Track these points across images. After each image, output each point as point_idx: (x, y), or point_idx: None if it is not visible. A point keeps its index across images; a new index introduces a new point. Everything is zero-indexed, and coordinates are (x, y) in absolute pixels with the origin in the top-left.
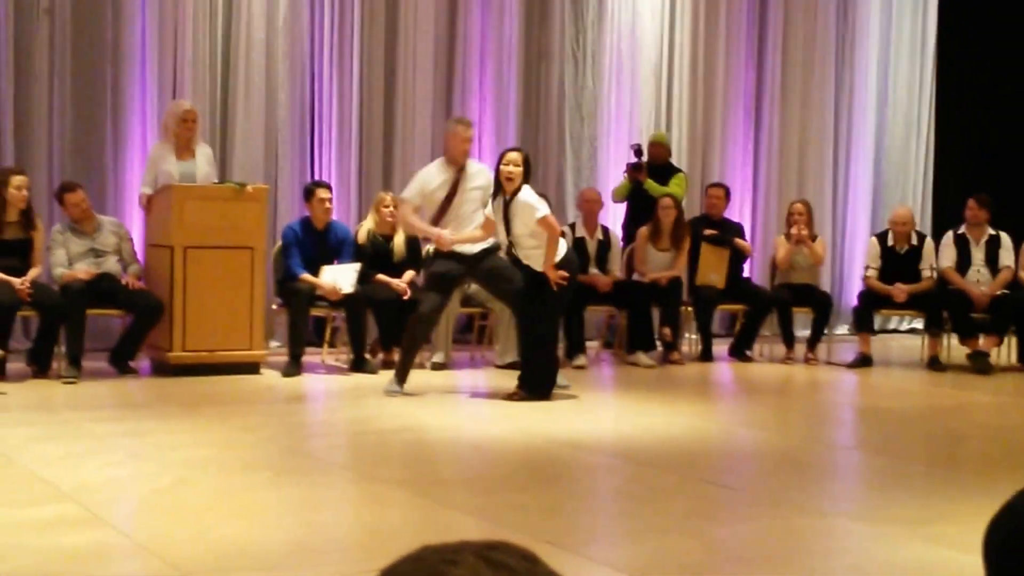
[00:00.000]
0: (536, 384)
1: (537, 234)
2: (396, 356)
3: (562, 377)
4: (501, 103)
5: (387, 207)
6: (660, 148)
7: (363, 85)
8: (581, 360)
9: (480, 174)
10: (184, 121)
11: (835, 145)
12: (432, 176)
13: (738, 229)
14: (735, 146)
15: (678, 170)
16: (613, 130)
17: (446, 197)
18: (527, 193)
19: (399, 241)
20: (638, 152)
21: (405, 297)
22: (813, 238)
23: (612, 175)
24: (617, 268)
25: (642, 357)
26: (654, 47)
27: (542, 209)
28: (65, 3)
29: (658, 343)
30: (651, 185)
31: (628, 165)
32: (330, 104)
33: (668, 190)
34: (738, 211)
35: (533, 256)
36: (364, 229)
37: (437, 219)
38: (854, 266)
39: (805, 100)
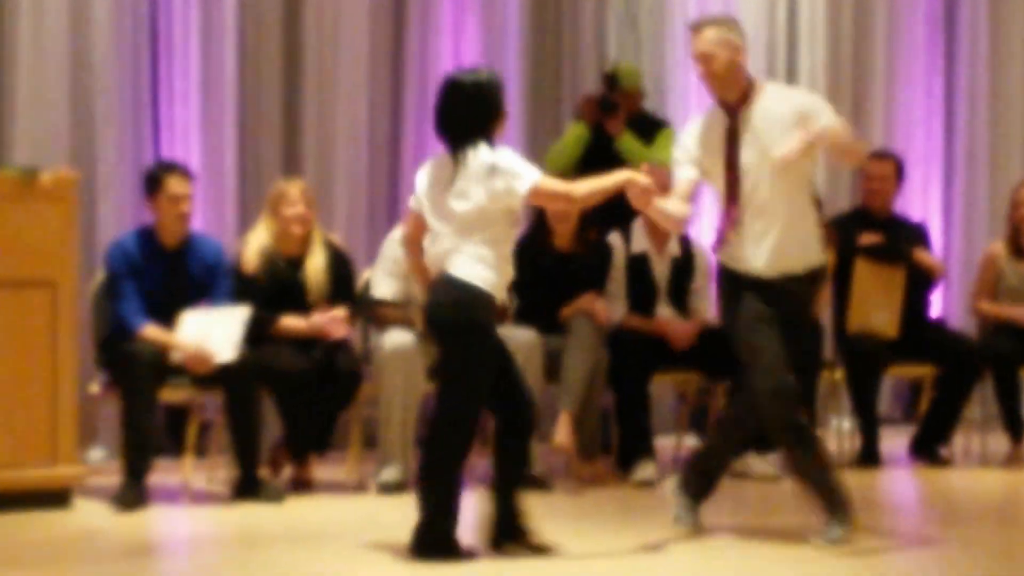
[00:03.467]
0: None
1: None
2: (313, 468)
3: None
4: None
5: (294, 209)
6: (629, 97)
7: (246, 8)
8: (647, 470)
9: (785, 100)
10: None
11: None
12: (700, 128)
13: (920, 233)
14: (912, 90)
15: (663, 124)
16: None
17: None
18: None
19: (316, 265)
20: (611, 82)
21: (337, 335)
22: None
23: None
24: (706, 306)
25: (756, 463)
26: None
27: None
28: None
29: None
30: (629, 143)
31: (589, 100)
32: (186, 39)
33: (652, 155)
34: (920, 202)
35: None
36: (252, 246)
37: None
38: None
39: None
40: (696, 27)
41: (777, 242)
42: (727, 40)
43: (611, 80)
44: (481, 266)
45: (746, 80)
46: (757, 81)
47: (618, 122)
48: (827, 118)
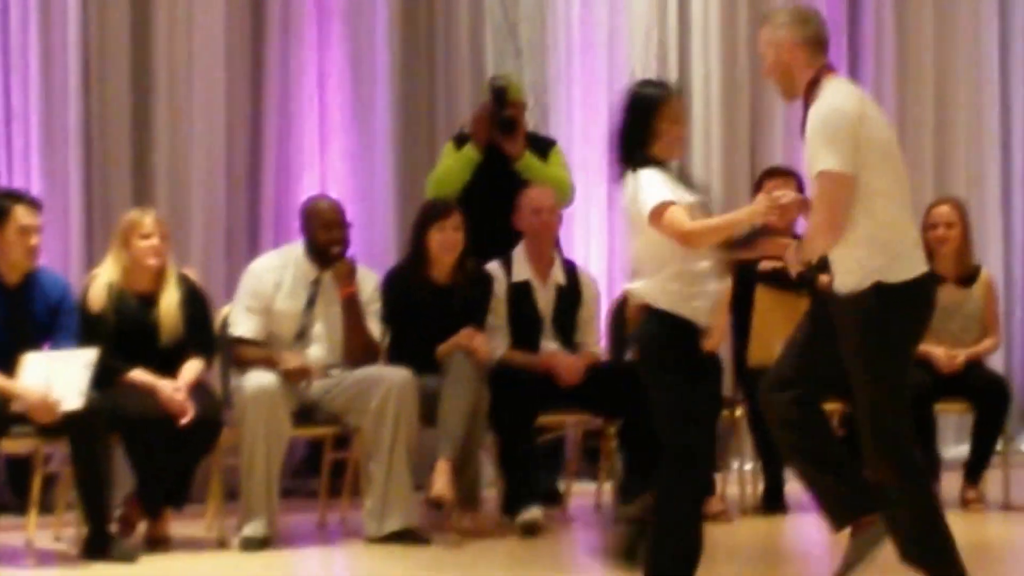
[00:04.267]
0: None
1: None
2: (169, 524)
3: None
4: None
5: (148, 241)
6: (514, 107)
7: (91, 23)
8: (533, 513)
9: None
10: None
11: (1004, 105)
12: None
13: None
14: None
15: (550, 141)
16: (578, 71)
17: None
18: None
19: (169, 302)
20: (499, 94)
21: (184, 420)
22: (971, 271)
23: (577, 153)
24: (595, 339)
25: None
26: None
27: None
28: None
29: None
30: (532, 164)
31: (482, 118)
32: (24, 55)
33: (553, 173)
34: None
35: None
36: (100, 282)
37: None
38: None
39: (942, 32)
40: (760, 23)
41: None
42: (773, 39)
43: (501, 94)
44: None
45: (811, 73)
46: (825, 73)
47: (517, 142)
48: (817, 163)
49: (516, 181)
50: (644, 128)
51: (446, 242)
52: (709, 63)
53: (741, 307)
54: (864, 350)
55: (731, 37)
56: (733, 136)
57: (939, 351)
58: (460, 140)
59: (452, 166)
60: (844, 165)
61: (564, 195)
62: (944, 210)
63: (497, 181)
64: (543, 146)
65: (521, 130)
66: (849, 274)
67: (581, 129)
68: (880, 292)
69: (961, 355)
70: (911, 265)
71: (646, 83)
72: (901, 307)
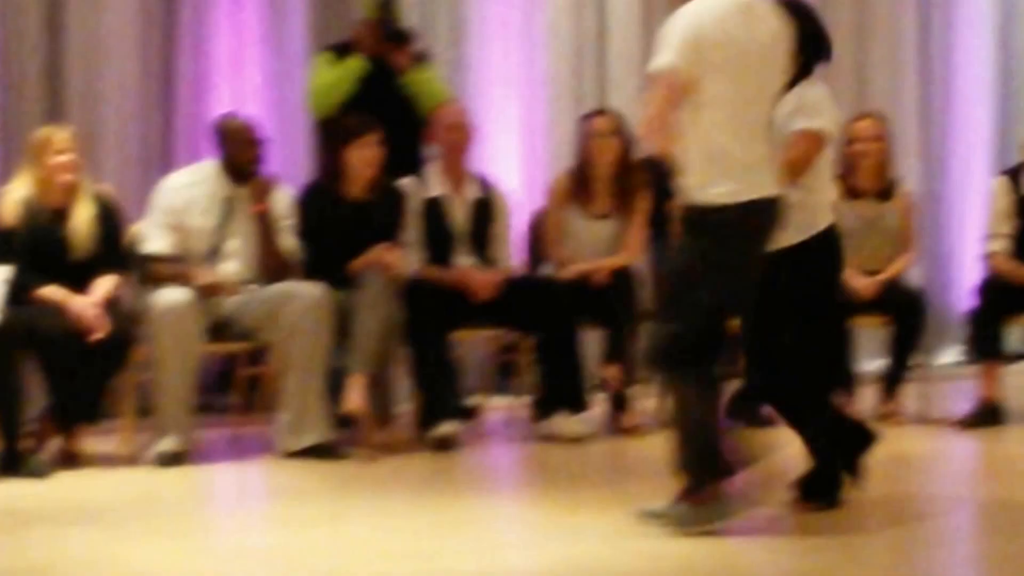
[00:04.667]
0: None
1: None
2: (82, 440)
3: None
4: None
5: (60, 154)
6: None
7: None
8: (448, 427)
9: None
10: None
11: (922, 21)
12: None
13: None
14: None
15: (425, 56)
16: None
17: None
18: None
19: (82, 218)
20: (389, 4)
21: (97, 335)
22: (890, 186)
23: (496, 70)
24: (508, 254)
25: (566, 423)
26: None
27: None
28: None
29: (596, 394)
30: (421, 79)
31: (370, 26)
32: None
33: (439, 89)
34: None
35: None
36: (12, 199)
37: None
38: (966, 236)
39: None
40: None
41: None
42: None
43: (390, 4)
44: None
45: None
46: None
47: (406, 55)
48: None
49: (400, 95)
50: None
51: (367, 158)
52: (630, 59)
53: (658, 222)
54: (676, 264)
55: (649, 35)
56: None
57: (859, 280)
58: (339, 50)
59: (338, 77)
60: (672, 64)
61: None
62: (865, 124)
63: (381, 94)
64: (420, 59)
65: (410, 44)
66: (684, 185)
67: (498, 44)
68: (697, 211)
69: (878, 279)
70: (736, 188)
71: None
72: (715, 230)
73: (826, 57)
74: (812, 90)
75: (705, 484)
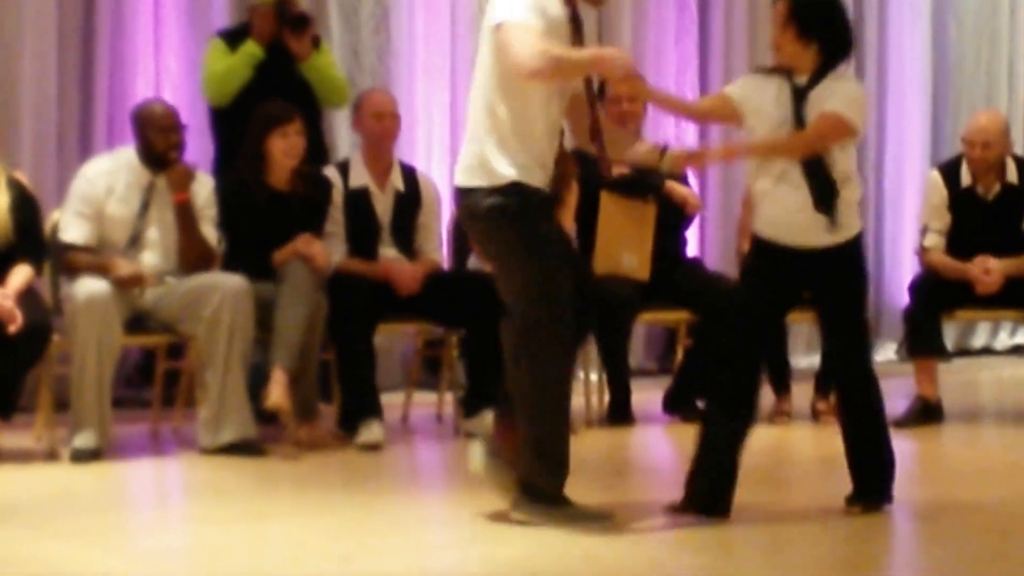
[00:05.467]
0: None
1: None
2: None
3: None
4: None
5: None
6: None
7: None
8: (373, 432)
9: None
10: None
11: (856, 12)
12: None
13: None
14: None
15: (317, 38)
16: None
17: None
18: None
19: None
20: None
21: (12, 327)
22: None
23: (420, 57)
24: (435, 246)
25: (492, 420)
26: None
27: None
28: None
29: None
30: (316, 64)
31: (266, 11)
32: None
33: (336, 75)
34: (671, 130)
35: None
36: None
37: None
38: (901, 228)
39: None
40: None
41: None
42: None
43: None
44: None
45: None
46: None
47: (305, 41)
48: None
49: (299, 82)
50: None
51: (289, 148)
52: None
53: (585, 215)
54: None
55: None
56: None
57: None
58: (230, 36)
59: (233, 65)
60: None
61: (342, 97)
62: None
63: (279, 81)
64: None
65: (311, 29)
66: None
67: (424, 31)
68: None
69: None
70: (496, 170)
71: None
72: (483, 214)
73: (847, 53)
74: (848, 84)
75: (553, 484)
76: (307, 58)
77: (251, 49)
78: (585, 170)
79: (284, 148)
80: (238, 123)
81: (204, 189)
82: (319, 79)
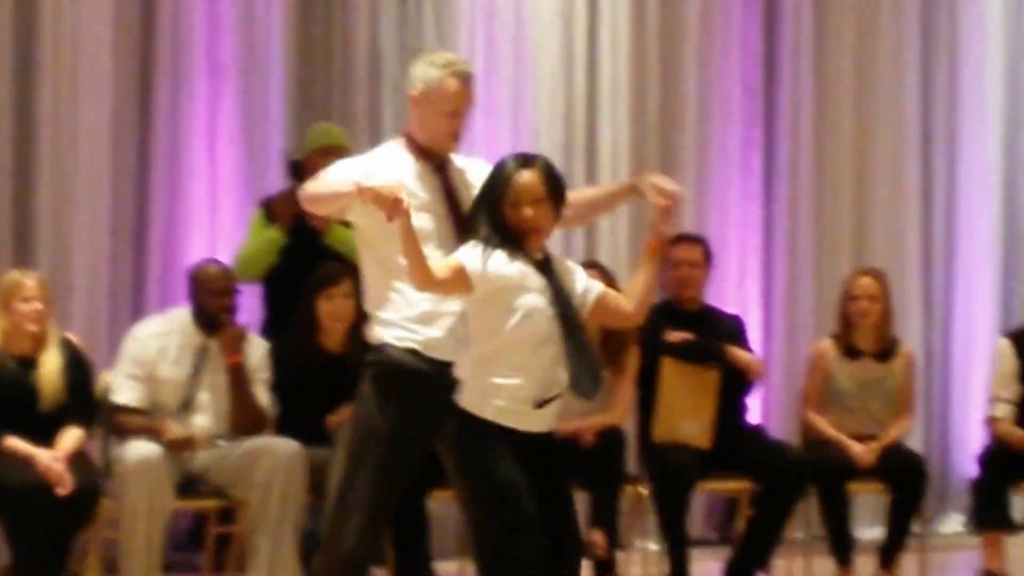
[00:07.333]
0: None
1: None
2: None
3: None
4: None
5: (28, 302)
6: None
7: None
8: None
9: (474, 171)
10: None
11: (925, 172)
12: (386, 164)
13: (735, 328)
14: (726, 167)
15: None
16: (481, 133)
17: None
18: None
19: (51, 367)
20: (295, 167)
21: (62, 490)
22: (890, 346)
23: None
24: None
25: None
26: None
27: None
28: None
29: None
30: (340, 235)
31: (284, 199)
32: None
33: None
34: (735, 293)
35: None
36: None
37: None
38: (970, 398)
39: (861, 97)
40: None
41: None
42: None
43: (298, 169)
44: None
45: None
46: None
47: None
48: None
49: (327, 255)
50: None
51: (335, 311)
52: (617, 128)
53: (646, 380)
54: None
55: (640, 105)
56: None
57: (856, 446)
58: (270, 209)
59: (256, 252)
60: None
61: None
62: (866, 282)
63: (307, 257)
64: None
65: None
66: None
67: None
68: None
69: (876, 446)
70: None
71: None
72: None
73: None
74: None
75: None
76: (326, 231)
77: (272, 234)
78: (646, 333)
79: (330, 311)
80: (285, 285)
81: (257, 351)
82: (346, 250)
